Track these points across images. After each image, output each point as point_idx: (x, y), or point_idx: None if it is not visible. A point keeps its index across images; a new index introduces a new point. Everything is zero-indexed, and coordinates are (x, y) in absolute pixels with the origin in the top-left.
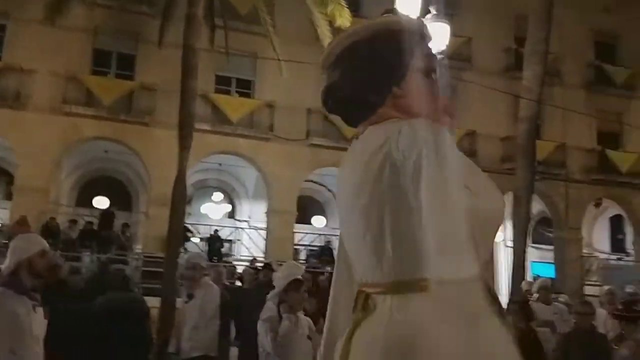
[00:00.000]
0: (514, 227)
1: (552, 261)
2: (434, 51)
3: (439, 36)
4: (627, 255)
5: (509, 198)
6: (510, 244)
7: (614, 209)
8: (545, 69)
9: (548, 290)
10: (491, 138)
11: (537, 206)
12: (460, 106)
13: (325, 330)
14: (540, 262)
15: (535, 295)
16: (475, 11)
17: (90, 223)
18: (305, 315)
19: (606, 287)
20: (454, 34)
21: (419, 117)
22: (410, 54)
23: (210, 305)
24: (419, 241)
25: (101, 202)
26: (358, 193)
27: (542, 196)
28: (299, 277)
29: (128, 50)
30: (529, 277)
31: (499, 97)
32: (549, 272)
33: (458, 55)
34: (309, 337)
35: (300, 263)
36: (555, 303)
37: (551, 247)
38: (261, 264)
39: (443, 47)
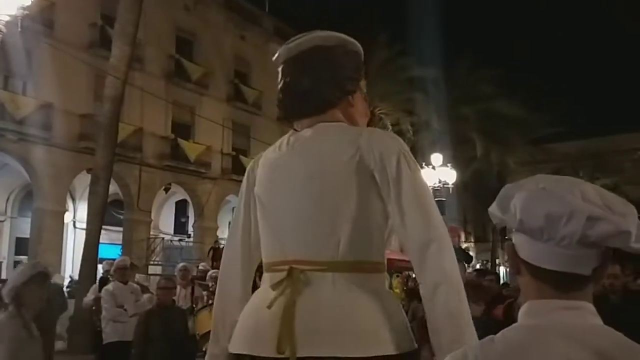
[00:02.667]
0: (89, 206)
1: (120, 242)
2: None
3: None
4: (188, 237)
5: (85, 178)
6: (80, 225)
7: (180, 194)
8: (133, 55)
9: (125, 269)
10: (69, 114)
11: (110, 188)
12: (37, 75)
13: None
14: (108, 243)
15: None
16: None
17: None
18: None
19: (181, 264)
20: None
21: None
22: (360, 74)
23: None
24: (379, 232)
25: None
26: (311, 179)
27: (116, 178)
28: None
29: None
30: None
31: (81, 73)
32: (116, 253)
33: (40, 18)
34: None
35: None
36: (130, 282)
37: (120, 229)
38: None
39: (27, 3)
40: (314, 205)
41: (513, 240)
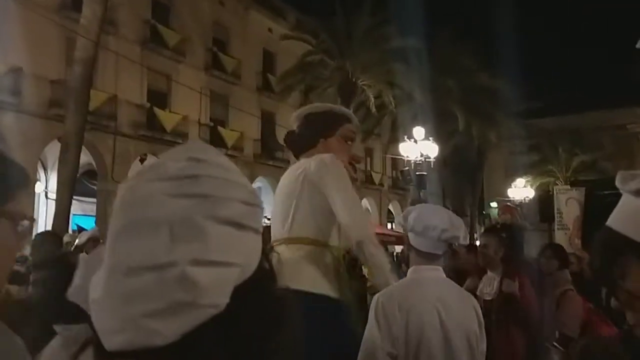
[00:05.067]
0: (59, 175)
1: (93, 214)
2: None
3: None
4: None
5: (57, 146)
6: (52, 195)
7: None
8: (105, 16)
9: (97, 240)
10: (39, 79)
11: (83, 158)
12: (4, 38)
13: None
14: (82, 215)
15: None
16: None
17: None
18: None
19: None
20: None
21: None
22: (336, 127)
23: None
24: (314, 219)
25: None
26: (288, 192)
27: (89, 147)
28: None
29: None
30: (70, 230)
31: (51, 36)
32: (90, 224)
33: None
34: None
35: None
36: None
37: (94, 200)
38: None
39: None
40: (282, 204)
41: (408, 235)
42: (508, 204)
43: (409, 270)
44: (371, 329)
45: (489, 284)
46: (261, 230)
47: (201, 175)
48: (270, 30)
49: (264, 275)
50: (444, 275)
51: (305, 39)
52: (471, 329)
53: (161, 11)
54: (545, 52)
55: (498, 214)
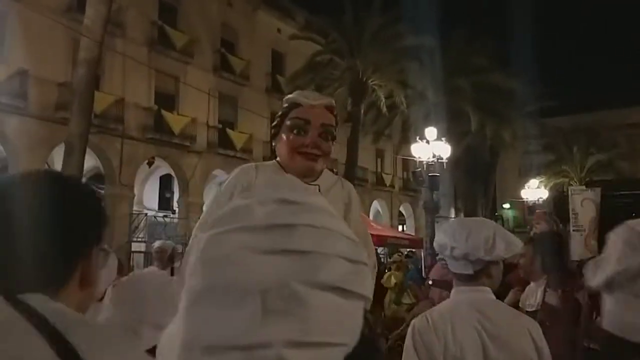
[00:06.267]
0: None
1: None
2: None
3: None
4: (173, 213)
5: (62, 150)
6: None
7: (164, 168)
8: (110, 16)
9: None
10: (46, 82)
11: (90, 161)
12: (11, 40)
13: None
14: None
15: None
16: None
17: None
18: None
19: (157, 243)
20: None
21: (280, 158)
22: (281, 123)
23: None
24: None
25: None
26: None
27: (96, 151)
28: None
29: None
30: None
31: (58, 39)
32: None
33: None
34: None
35: None
36: None
37: None
38: None
39: None
40: None
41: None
42: (541, 211)
43: (451, 293)
44: (408, 358)
45: (532, 295)
46: (366, 295)
47: (296, 224)
48: (279, 30)
49: (366, 348)
50: (490, 296)
51: (314, 38)
52: (525, 353)
53: (168, 13)
54: (559, 51)
55: (533, 224)
